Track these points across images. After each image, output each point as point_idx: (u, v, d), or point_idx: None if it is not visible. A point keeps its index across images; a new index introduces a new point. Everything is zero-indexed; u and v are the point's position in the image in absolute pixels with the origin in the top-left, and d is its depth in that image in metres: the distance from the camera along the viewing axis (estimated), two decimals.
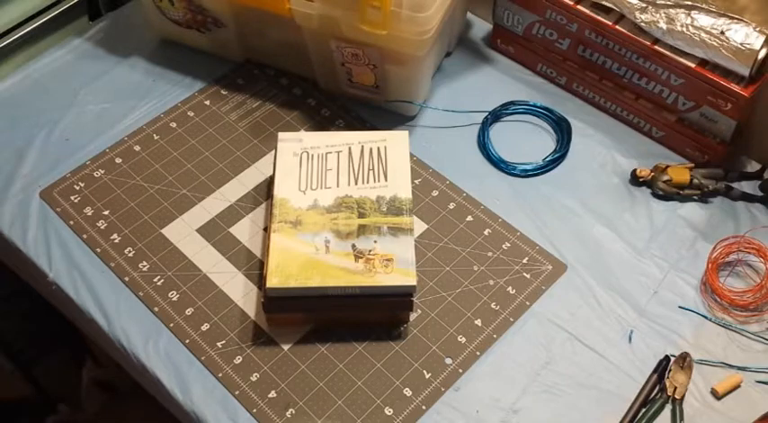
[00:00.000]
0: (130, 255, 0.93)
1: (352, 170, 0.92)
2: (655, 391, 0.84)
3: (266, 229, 0.94)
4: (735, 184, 1.00)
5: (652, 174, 1.00)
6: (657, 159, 1.03)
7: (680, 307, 0.91)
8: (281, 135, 0.95)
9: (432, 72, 1.09)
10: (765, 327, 0.89)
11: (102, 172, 1.01)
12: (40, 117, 1.06)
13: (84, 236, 0.94)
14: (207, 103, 1.09)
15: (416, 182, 1.00)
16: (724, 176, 1.00)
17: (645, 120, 1.05)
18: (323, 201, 0.89)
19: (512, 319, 0.89)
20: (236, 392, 0.83)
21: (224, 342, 0.86)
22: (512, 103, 1.09)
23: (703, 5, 0.94)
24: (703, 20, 0.93)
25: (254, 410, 0.82)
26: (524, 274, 0.93)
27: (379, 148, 0.94)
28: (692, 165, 1.01)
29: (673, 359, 0.86)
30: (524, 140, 1.06)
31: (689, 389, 0.84)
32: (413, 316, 0.88)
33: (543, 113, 1.09)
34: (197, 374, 0.84)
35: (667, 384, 0.83)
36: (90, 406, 1.42)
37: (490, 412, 0.82)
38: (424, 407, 0.82)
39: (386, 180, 0.91)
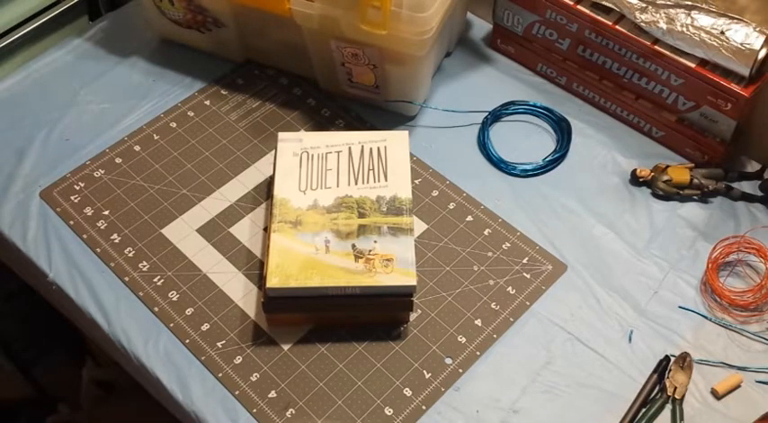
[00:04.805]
0: (130, 255, 0.93)
1: (352, 170, 0.92)
2: (655, 391, 0.84)
3: (266, 229, 0.94)
4: (735, 184, 1.00)
5: (652, 174, 1.00)
6: (657, 159, 1.03)
7: (680, 307, 0.91)
8: (281, 135, 0.95)
9: (432, 72, 1.09)
10: (765, 327, 0.89)
11: (102, 172, 1.01)
12: (40, 117, 1.06)
13: (85, 236, 0.94)
14: (207, 103, 1.09)
15: (416, 182, 1.00)
16: (724, 176, 1.00)
17: (645, 120, 1.05)
18: (323, 201, 0.89)
19: (512, 319, 0.89)
20: (236, 392, 0.83)
21: (224, 342, 0.86)
22: (512, 103, 1.09)
23: (703, 5, 0.94)
24: (703, 20, 0.93)
25: (254, 410, 0.82)
26: (524, 274, 0.93)
27: (379, 148, 0.94)
28: (692, 165, 1.01)
29: (673, 359, 0.86)
30: (524, 140, 1.06)
31: (689, 389, 0.84)
32: (413, 316, 0.88)
33: (543, 113, 1.09)
34: (197, 374, 0.84)
35: (667, 384, 0.83)
36: (90, 406, 1.42)
37: (490, 412, 0.82)
38: (424, 407, 0.83)
39: (386, 180, 0.91)
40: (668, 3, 0.95)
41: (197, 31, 1.09)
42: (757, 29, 0.91)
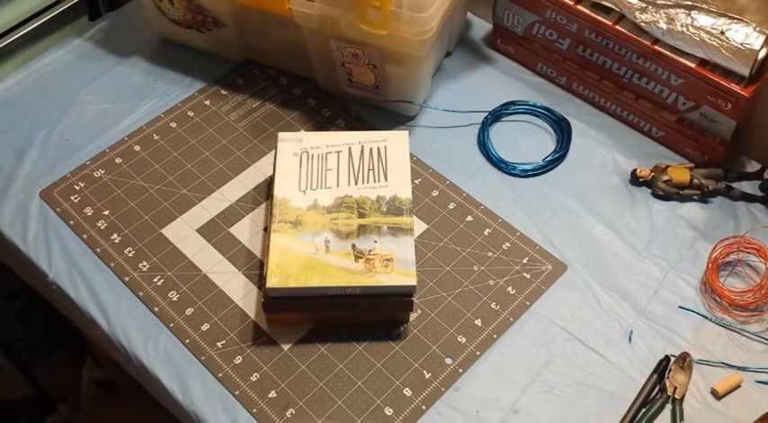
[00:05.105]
0: (130, 255, 0.93)
1: (352, 170, 0.92)
2: (655, 391, 0.84)
3: (266, 229, 0.94)
4: (735, 184, 1.00)
5: (652, 174, 1.00)
6: (657, 159, 1.03)
7: (680, 307, 0.91)
8: (281, 135, 0.95)
9: (432, 72, 1.09)
10: (765, 327, 0.89)
11: (102, 172, 1.01)
12: (40, 117, 1.06)
13: (85, 236, 0.94)
14: (207, 103, 1.09)
15: (416, 182, 1.00)
16: (724, 176, 1.00)
17: (645, 120, 1.05)
18: (323, 201, 0.89)
19: (512, 319, 0.89)
20: (236, 392, 0.83)
21: (224, 342, 0.86)
22: (512, 103, 1.09)
23: (703, 5, 0.94)
24: (703, 20, 0.93)
25: (254, 410, 0.82)
26: (524, 274, 0.93)
27: (379, 148, 0.94)
28: (692, 165, 1.01)
29: (673, 359, 0.86)
30: (524, 140, 1.06)
31: (689, 389, 0.84)
32: (413, 316, 0.88)
33: (543, 113, 1.09)
34: (197, 374, 0.84)
35: (667, 384, 0.83)
36: (90, 406, 1.42)
37: (490, 412, 0.82)
38: (424, 407, 0.83)
39: (386, 180, 0.91)
40: (668, 3, 0.95)
41: (197, 31, 1.09)
42: (757, 29, 0.91)
